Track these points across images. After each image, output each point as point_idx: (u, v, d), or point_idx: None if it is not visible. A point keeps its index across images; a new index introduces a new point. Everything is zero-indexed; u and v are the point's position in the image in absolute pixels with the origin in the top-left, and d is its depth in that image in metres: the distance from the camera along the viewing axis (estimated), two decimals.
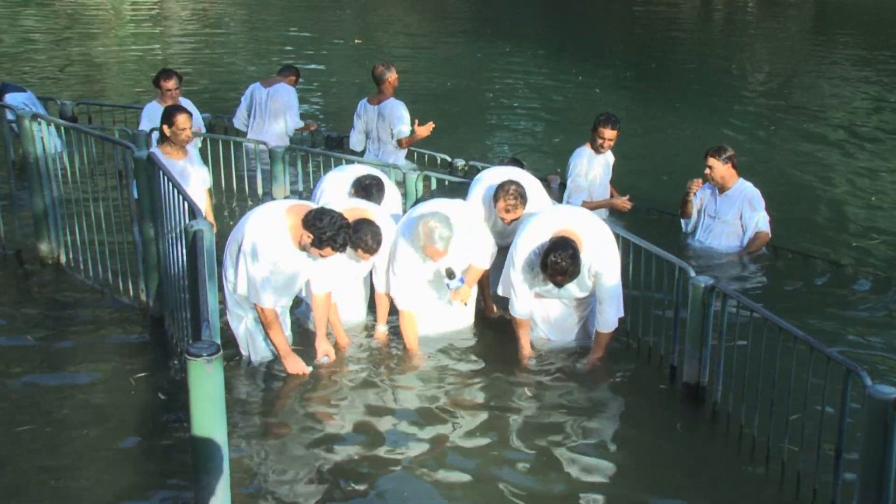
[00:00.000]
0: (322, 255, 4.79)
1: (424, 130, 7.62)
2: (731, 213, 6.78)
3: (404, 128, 7.79)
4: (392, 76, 7.89)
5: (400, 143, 7.84)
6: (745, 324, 4.55)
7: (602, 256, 5.02)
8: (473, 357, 5.41)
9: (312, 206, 4.91)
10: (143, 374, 5.01)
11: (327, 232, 4.65)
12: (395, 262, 5.26)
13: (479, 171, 7.41)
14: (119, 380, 4.96)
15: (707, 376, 4.89)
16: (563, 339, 5.48)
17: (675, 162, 9.74)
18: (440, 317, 5.55)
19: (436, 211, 5.12)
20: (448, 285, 5.23)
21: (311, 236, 4.68)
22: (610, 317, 5.16)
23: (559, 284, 4.88)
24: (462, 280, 5.23)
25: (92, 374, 5.01)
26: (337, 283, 5.28)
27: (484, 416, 4.81)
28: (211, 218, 6.07)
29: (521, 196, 5.37)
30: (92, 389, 4.85)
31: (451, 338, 5.56)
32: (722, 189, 6.84)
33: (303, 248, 4.80)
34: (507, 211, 5.38)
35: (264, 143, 8.13)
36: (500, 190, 5.41)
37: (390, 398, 4.95)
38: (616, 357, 5.41)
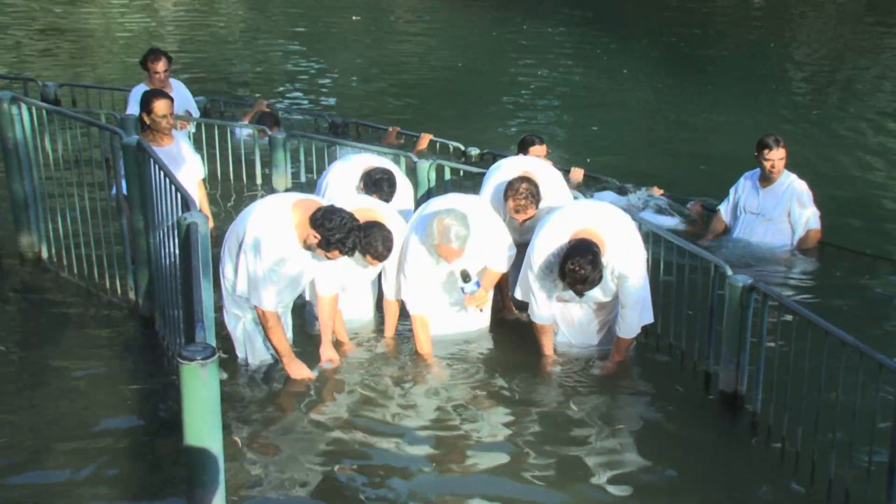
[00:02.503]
0: (329, 257, 4.78)
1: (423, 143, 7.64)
2: (777, 209, 6.70)
3: None
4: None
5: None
6: (788, 326, 4.52)
7: (626, 257, 4.99)
8: (489, 363, 5.39)
9: (320, 201, 4.89)
10: (131, 380, 5.01)
11: (336, 234, 4.64)
12: (406, 263, 5.25)
13: (494, 160, 7.42)
14: (105, 386, 4.96)
15: (745, 384, 4.85)
16: (586, 344, 5.46)
17: (712, 149, 9.71)
18: (453, 320, 5.54)
19: (451, 208, 5.10)
20: (463, 289, 5.22)
21: (319, 237, 4.68)
22: (632, 322, 5.13)
23: (579, 293, 4.86)
24: (478, 284, 5.21)
25: (75, 380, 5.01)
26: (344, 283, 5.27)
27: (500, 427, 4.79)
28: (206, 210, 6.07)
29: (533, 195, 5.34)
30: (75, 397, 4.85)
31: (464, 341, 5.55)
32: (766, 182, 6.76)
33: (308, 247, 4.80)
34: (517, 211, 5.37)
35: (263, 130, 8.13)
36: (510, 189, 5.38)
37: (400, 407, 4.94)
38: (645, 364, 5.38)
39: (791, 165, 6.90)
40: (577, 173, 7.51)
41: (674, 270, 5.48)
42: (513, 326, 5.78)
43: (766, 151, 6.65)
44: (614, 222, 5.06)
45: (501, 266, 5.39)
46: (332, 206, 4.73)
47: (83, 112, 8.45)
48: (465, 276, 5.16)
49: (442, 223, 4.98)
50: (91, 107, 9.84)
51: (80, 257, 6.05)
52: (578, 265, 4.69)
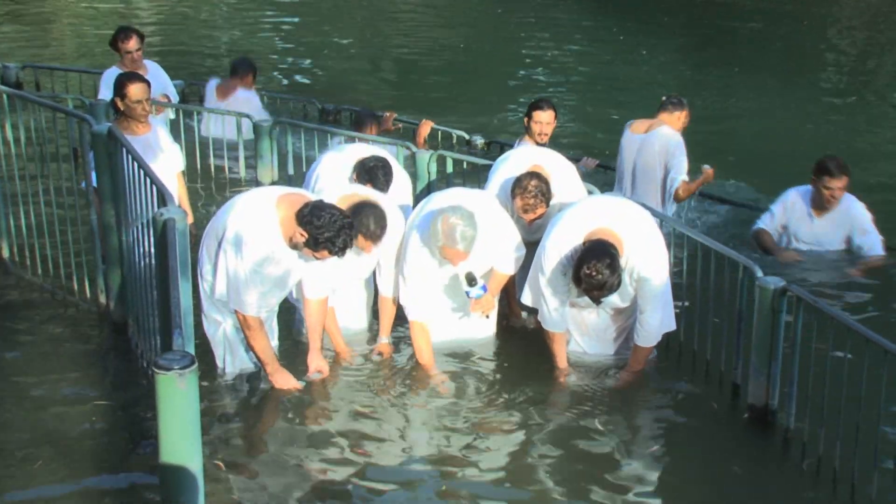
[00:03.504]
0: (317, 258, 4.78)
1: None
2: (835, 239, 6.53)
3: None
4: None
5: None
6: (824, 333, 4.51)
7: (646, 258, 4.99)
8: (496, 376, 5.39)
9: (308, 196, 4.87)
10: (101, 392, 5.01)
11: (325, 232, 4.62)
12: (406, 265, 5.24)
13: (502, 150, 7.42)
14: (72, 399, 4.95)
15: (777, 397, 4.85)
16: (602, 353, 5.45)
17: (741, 138, 9.71)
18: (456, 327, 5.54)
19: (457, 205, 5.08)
20: (468, 294, 5.21)
21: (306, 235, 4.66)
22: (652, 328, 5.13)
23: (596, 299, 4.86)
24: (484, 288, 5.21)
25: (40, 392, 5.00)
26: (335, 285, 5.27)
27: (508, 444, 4.79)
28: (186, 205, 6.08)
29: (543, 194, 5.34)
30: (38, 411, 4.84)
31: (468, 351, 5.55)
32: (822, 210, 6.52)
33: (294, 246, 4.79)
34: (526, 211, 5.37)
35: (247, 116, 8.13)
36: (518, 186, 5.38)
37: (396, 422, 4.94)
38: (666, 375, 5.39)
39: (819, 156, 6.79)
40: (590, 163, 7.51)
41: (698, 271, 5.47)
42: (521, 334, 5.78)
43: (826, 179, 6.32)
44: (632, 220, 5.05)
45: (509, 268, 5.39)
46: (320, 202, 4.72)
47: (48, 97, 8.46)
48: (471, 280, 5.15)
49: (447, 222, 4.96)
50: (57, 91, 9.85)
51: (45, 257, 6.04)
52: (595, 270, 4.68)
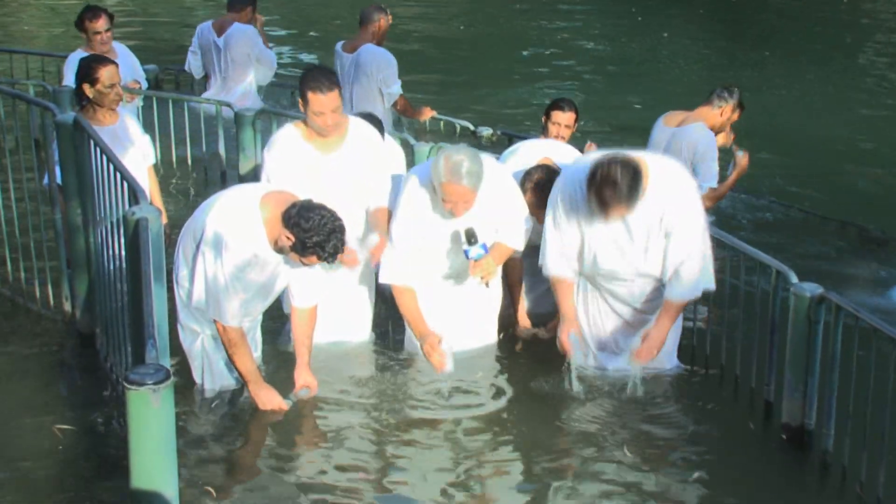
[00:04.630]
0: (304, 263, 4.78)
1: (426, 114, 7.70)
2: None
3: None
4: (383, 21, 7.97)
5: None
6: (866, 346, 4.50)
7: (679, 199, 4.93)
8: (500, 392, 5.39)
9: (295, 195, 4.86)
10: (66, 410, 5.00)
11: (314, 236, 4.62)
12: (395, 220, 5.25)
13: (511, 142, 7.43)
14: (34, 417, 4.94)
15: (814, 416, 4.85)
16: (622, 369, 5.43)
17: (773, 131, 9.70)
18: (452, 327, 5.52)
19: (462, 145, 5.10)
20: (467, 253, 5.15)
21: (293, 238, 4.66)
22: (689, 279, 5.00)
23: (607, 205, 4.74)
24: (485, 247, 5.15)
25: None
26: (327, 291, 5.28)
27: (520, 467, 4.79)
28: (159, 203, 6.08)
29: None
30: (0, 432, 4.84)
31: (468, 363, 5.54)
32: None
33: (280, 249, 4.79)
34: (539, 207, 5.38)
35: (228, 105, 8.14)
36: (528, 180, 5.41)
37: (390, 444, 4.93)
38: (692, 391, 5.38)
39: (867, 152, 6.81)
40: (593, 148, 7.54)
41: (726, 277, 5.47)
42: (526, 345, 5.79)
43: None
44: (665, 161, 5.10)
45: (516, 240, 5.38)
46: (309, 202, 4.71)
47: (6, 83, 8.46)
48: (471, 237, 5.11)
49: (451, 158, 4.96)
50: (16, 76, 9.86)
51: (3, 259, 6.04)
52: (612, 168, 4.67)
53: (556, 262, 5.22)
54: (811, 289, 4.75)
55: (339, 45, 8.20)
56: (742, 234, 5.34)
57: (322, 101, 5.09)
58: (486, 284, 5.38)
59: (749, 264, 5.30)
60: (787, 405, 4.92)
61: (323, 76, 5.12)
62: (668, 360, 5.41)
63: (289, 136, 5.36)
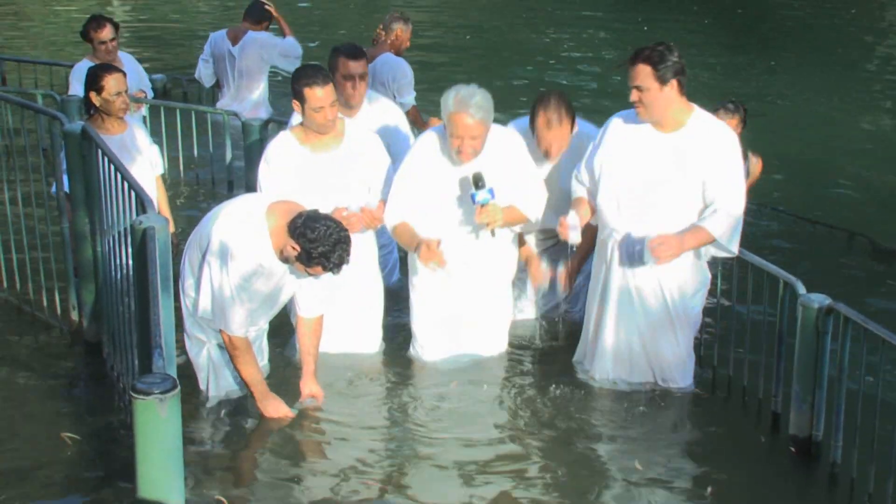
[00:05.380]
0: (309, 273, 4.77)
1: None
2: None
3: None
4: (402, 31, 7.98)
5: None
6: (875, 357, 4.49)
7: (719, 147, 4.92)
8: (504, 405, 5.37)
9: (301, 205, 4.85)
10: (72, 420, 5.00)
11: (319, 246, 4.61)
12: (402, 166, 5.30)
13: None
14: (40, 427, 4.95)
15: (822, 427, 4.84)
16: (635, 382, 5.39)
17: (781, 143, 9.68)
18: (459, 338, 5.53)
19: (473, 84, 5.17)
20: (473, 197, 5.08)
21: (298, 248, 4.65)
22: (723, 223, 4.94)
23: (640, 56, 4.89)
24: (492, 193, 5.07)
25: (2, 420, 5.00)
26: (335, 301, 5.28)
27: (520, 488, 4.74)
28: (166, 212, 6.09)
29: (567, 108, 5.44)
30: (4, 442, 4.83)
31: (475, 372, 5.54)
32: None
33: (285, 259, 4.79)
34: (549, 127, 5.40)
35: (235, 114, 8.15)
36: (540, 103, 5.45)
37: (397, 456, 4.91)
38: (699, 403, 5.36)
39: (875, 162, 6.80)
40: None
41: (733, 288, 5.46)
42: (533, 353, 5.77)
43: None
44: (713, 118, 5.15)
45: (531, 209, 5.35)
46: (316, 212, 4.71)
47: (15, 92, 8.48)
48: (478, 180, 5.05)
49: (460, 91, 5.06)
50: (25, 86, 9.87)
51: (10, 268, 6.05)
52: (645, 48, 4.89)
53: (575, 186, 5.32)
54: (819, 300, 4.73)
55: None
56: (749, 244, 5.30)
57: (320, 96, 5.13)
58: (492, 233, 5.25)
59: (756, 275, 5.29)
60: (795, 417, 4.90)
61: (316, 71, 5.20)
62: (682, 377, 5.36)
63: (282, 142, 5.40)
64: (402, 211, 5.32)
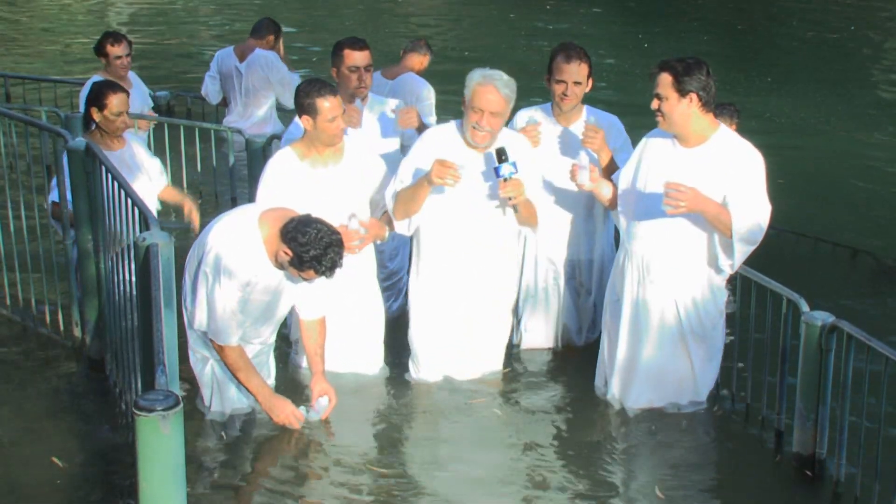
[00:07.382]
0: (303, 278, 4.77)
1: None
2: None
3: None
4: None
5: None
6: (878, 375, 4.48)
7: (742, 165, 4.90)
8: (513, 417, 5.37)
9: (293, 211, 4.85)
10: (74, 436, 4.99)
11: (311, 250, 4.60)
12: (412, 149, 5.34)
13: None
14: (42, 444, 4.93)
15: (825, 446, 4.82)
16: (641, 400, 5.35)
17: (781, 159, 9.66)
18: (460, 355, 5.52)
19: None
20: (497, 171, 5.05)
21: (291, 253, 4.65)
22: (745, 221, 4.85)
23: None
24: (516, 166, 5.04)
25: (4, 437, 4.98)
26: (334, 305, 5.26)
27: (534, 497, 4.75)
28: (195, 216, 6.07)
29: (588, 58, 5.58)
30: (4, 460, 4.82)
31: (474, 387, 5.53)
32: None
33: (280, 265, 4.78)
34: (569, 60, 5.52)
35: (239, 131, 8.16)
36: (559, 46, 5.64)
37: (400, 477, 4.87)
38: (702, 420, 5.34)
39: (879, 178, 6.80)
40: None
41: (737, 305, 5.45)
42: (531, 373, 5.76)
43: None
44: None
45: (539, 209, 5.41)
46: (307, 217, 4.70)
47: (19, 109, 8.50)
48: (501, 155, 5.04)
49: (486, 69, 5.13)
50: (29, 103, 9.89)
51: (13, 284, 6.04)
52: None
53: None
54: (822, 317, 4.72)
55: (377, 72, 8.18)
56: (752, 261, 5.28)
57: (332, 107, 5.14)
58: (513, 206, 5.25)
59: (760, 293, 5.28)
60: (799, 434, 4.89)
61: (323, 84, 5.22)
62: (692, 396, 5.33)
63: (282, 158, 5.39)
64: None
